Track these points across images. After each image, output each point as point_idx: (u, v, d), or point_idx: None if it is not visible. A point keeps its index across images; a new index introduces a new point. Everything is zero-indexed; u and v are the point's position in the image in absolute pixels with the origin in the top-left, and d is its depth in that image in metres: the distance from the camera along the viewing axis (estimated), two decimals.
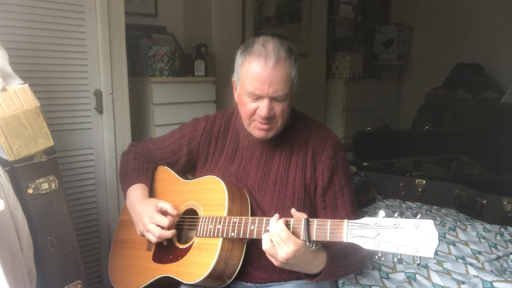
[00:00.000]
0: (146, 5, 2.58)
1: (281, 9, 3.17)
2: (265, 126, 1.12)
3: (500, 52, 3.54)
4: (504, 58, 3.51)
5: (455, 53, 3.72)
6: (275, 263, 0.98)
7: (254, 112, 1.11)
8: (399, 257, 0.85)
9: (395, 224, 0.85)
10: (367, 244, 0.86)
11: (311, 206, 1.18)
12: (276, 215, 0.99)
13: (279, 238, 0.95)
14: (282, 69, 1.06)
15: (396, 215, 0.86)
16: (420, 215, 0.85)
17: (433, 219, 0.83)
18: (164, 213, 1.19)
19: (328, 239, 0.92)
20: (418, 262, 0.86)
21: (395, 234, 0.84)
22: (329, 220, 0.93)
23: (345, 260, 1.08)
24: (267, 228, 1.00)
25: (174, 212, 1.18)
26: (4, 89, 1.15)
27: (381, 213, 0.88)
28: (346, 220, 0.91)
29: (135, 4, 2.51)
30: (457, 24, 3.77)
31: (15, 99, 1.12)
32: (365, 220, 0.88)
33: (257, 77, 1.06)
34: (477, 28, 3.64)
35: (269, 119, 1.11)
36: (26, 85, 1.16)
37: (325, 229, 0.93)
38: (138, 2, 2.53)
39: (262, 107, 1.08)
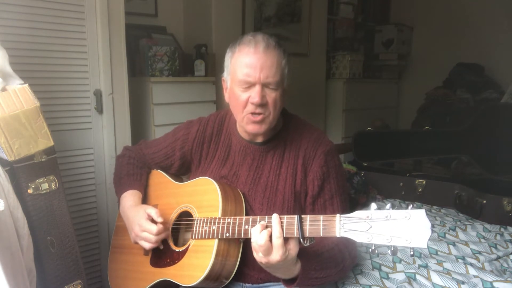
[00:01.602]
0: (146, 5, 2.58)
1: (281, 9, 3.17)
2: (258, 118, 1.10)
3: (500, 52, 3.53)
4: (504, 58, 3.51)
5: (455, 53, 3.72)
6: (262, 260, 0.96)
7: (246, 103, 1.10)
8: (392, 249, 0.84)
9: (386, 216, 0.84)
10: (359, 237, 0.86)
11: (301, 214, 1.17)
12: (259, 226, 0.97)
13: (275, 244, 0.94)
14: (272, 55, 1.07)
15: (388, 207, 0.86)
16: (411, 205, 0.84)
17: (425, 209, 0.82)
18: (152, 219, 1.19)
19: (321, 235, 0.92)
20: (412, 253, 0.85)
21: (387, 226, 0.84)
22: (322, 215, 0.93)
23: (322, 271, 1.06)
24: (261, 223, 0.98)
25: (159, 219, 1.16)
26: (4, 89, 1.14)
27: (373, 205, 0.87)
28: (338, 215, 0.90)
29: (135, 4, 2.51)
30: (457, 24, 3.77)
31: (15, 99, 1.12)
32: (357, 213, 0.87)
33: (247, 64, 1.07)
34: (477, 28, 3.64)
35: (262, 107, 1.09)
36: (26, 85, 1.16)
37: (317, 224, 0.92)
38: (138, 2, 2.53)
39: (254, 94, 1.07)
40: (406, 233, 0.82)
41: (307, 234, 0.94)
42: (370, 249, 0.87)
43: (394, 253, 0.84)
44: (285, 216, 0.97)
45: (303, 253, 1.00)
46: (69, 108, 1.64)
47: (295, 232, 0.94)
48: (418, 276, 1.32)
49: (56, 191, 1.24)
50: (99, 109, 1.71)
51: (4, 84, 1.17)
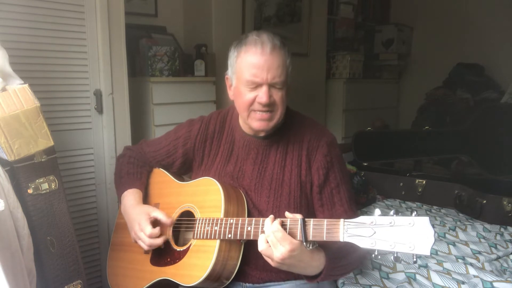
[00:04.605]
0: (146, 5, 2.58)
1: (281, 9, 3.17)
2: (266, 115, 1.12)
3: (500, 52, 3.53)
4: (504, 58, 3.51)
5: (455, 53, 3.72)
6: (272, 263, 0.98)
7: (253, 102, 1.11)
8: (396, 255, 0.85)
9: (390, 222, 0.85)
10: (363, 243, 0.86)
11: (307, 205, 1.18)
12: (271, 216, 0.99)
13: (274, 239, 0.95)
14: (279, 56, 1.09)
15: (391, 213, 0.86)
16: (415, 212, 0.85)
17: (428, 217, 0.83)
18: (157, 221, 1.20)
19: (325, 239, 0.92)
20: (415, 260, 0.86)
21: (391, 232, 0.84)
22: (325, 219, 0.93)
23: (344, 259, 1.08)
24: (264, 229, 0.99)
25: (168, 222, 1.18)
26: (4, 89, 1.15)
27: (377, 211, 0.88)
28: (342, 220, 0.91)
29: (135, 4, 2.51)
30: (457, 24, 3.77)
31: (15, 99, 1.12)
32: (361, 219, 0.88)
33: (254, 65, 1.08)
34: (477, 28, 3.64)
35: (270, 106, 1.11)
36: (26, 85, 1.16)
37: (321, 229, 0.93)
38: (138, 2, 2.53)
39: (262, 94, 1.09)
40: (410, 240, 0.82)
41: (310, 238, 0.94)
42: (373, 255, 0.87)
43: (397, 259, 0.85)
44: (288, 219, 0.97)
45: (322, 246, 1.01)
46: (69, 108, 1.64)
47: (298, 235, 0.95)
48: (418, 276, 1.32)
49: (56, 191, 1.24)
50: (99, 109, 1.71)
51: (4, 84, 1.17)
